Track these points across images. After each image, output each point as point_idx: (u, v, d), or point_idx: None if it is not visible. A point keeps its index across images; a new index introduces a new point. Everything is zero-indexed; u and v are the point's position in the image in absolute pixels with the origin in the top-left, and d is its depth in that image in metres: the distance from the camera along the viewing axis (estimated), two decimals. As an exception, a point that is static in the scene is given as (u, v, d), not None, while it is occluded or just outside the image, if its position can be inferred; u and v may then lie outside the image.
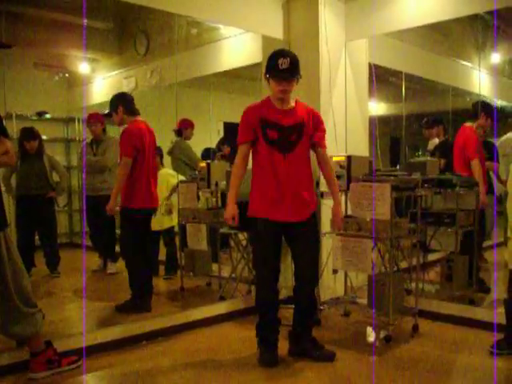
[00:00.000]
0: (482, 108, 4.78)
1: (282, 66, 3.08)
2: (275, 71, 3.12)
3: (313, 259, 3.39)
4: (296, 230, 3.26)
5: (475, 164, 4.57)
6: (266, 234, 3.25)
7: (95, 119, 5.72)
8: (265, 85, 3.33)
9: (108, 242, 5.83)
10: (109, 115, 4.28)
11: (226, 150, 6.41)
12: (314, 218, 3.36)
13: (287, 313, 3.75)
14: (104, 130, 5.79)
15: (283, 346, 3.41)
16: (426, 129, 6.05)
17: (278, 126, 3.18)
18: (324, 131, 3.36)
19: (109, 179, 5.73)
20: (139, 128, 4.22)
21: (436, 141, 5.81)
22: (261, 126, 3.19)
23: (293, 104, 3.27)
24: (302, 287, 3.35)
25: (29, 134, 5.49)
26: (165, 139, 5.82)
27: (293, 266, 3.40)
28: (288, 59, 3.09)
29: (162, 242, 5.57)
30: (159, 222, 5.18)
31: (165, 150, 5.73)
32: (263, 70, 3.27)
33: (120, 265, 5.35)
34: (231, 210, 3.23)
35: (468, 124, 4.82)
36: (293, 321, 3.44)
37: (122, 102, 4.24)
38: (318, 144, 3.32)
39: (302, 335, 3.40)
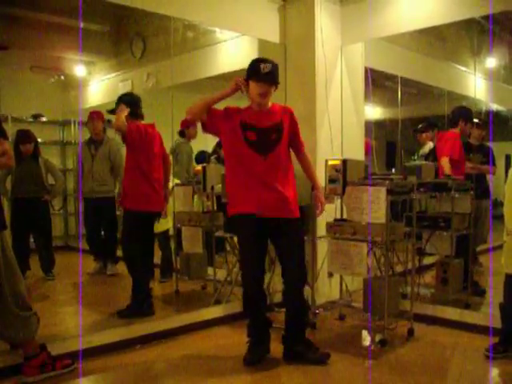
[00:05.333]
0: (460, 115, 4.87)
1: (264, 69, 3.18)
2: (257, 74, 3.20)
3: (300, 260, 3.38)
4: (280, 229, 3.28)
5: (443, 161, 4.63)
6: (248, 229, 3.27)
7: (97, 116, 5.72)
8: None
9: (109, 243, 5.83)
10: (112, 112, 4.31)
11: (223, 153, 6.39)
12: (299, 222, 3.37)
13: (282, 316, 3.74)
14: (104, 130, 5.78)
15: (278, 350, 3.40)
16: (419, 134, 6.07)
17: (256, 128, 3.26)
18: (298, 133, 3.44)
19: (109, 182, 5.73)
20: (141, 126, 4.26)
21: (431, 144, 5.82)
22: (241, 127, 3.27)
23: (269, 105, 3.34)
24: (291, 288, 3.37)
25: (24, 136, 5.47)
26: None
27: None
28: (269, 65, 3.21)
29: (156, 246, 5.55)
30: (155, 225, 5.15)
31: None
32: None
33: (120, 266, 5.34)
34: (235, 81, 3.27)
35: (452, 130, 4.87)
36: (285, 323, 3.43)
37: (128, 104, 4.26)
38: (299, 149, 3.47)
39: (294, 337, 3.39)
